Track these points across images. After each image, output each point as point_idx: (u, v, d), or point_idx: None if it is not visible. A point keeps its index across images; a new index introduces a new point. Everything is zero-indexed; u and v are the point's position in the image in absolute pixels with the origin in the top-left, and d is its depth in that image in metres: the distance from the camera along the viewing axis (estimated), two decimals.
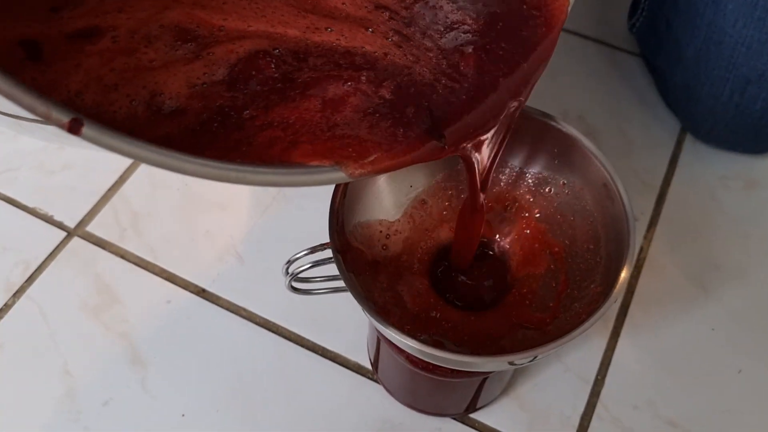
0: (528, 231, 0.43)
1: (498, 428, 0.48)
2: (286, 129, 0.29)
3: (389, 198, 0.42)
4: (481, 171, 0.34)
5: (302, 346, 0.51)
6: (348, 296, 0.36)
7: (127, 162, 0.60)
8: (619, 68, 0.67)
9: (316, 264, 0.39)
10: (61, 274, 0.54)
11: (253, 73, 0.30)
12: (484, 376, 0.43)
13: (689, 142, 0.62)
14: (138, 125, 0.27)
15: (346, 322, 0.52)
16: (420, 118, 0.31)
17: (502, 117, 0.33)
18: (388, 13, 0.34)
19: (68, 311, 0.52)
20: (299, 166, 0.28)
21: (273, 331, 0.52)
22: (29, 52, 0.28)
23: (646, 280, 0.54)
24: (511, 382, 0.49)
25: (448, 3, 0.35)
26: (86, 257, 0.55)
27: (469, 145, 0.32)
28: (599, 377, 0.50)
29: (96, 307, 0.52)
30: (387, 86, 0.32)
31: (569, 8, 0.36)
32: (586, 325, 0.34)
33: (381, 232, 0.42)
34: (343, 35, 0.33)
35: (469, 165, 0.34)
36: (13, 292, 0.53)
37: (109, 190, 0.58)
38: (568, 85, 0.65)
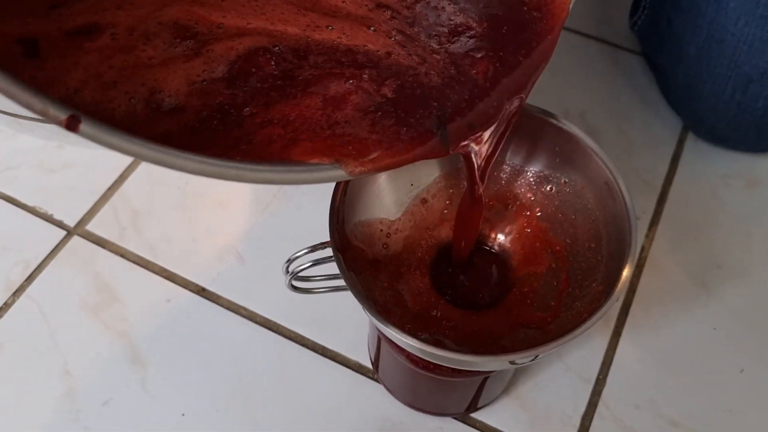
0: (529, 230, 0.43)
1: (499, 428, 0.48)
2: (286, 126, 0.29)
3: (390, 196, 0.42)
4: (480, 165, 0.34)
5: (302, 345, 0.51)
6: (348, 295, 0.36)
7: (126, 161, 0.59)
8: (620, 67, 0.67)
9: (317, 263, 0.39)
10: (61, 273, 0.54)
11: (253, 70, 0.30)
12: (485, 376, 0.43)
13: (691, 140, 0.62)
14: (137, 123, 0.27)
15: (347, 321, 0.52)
16: (424, 117, 0.31)
17: (501, 115, 0.33)
18: (389, 12, 0.34)
19: (68, 310, 0.52)
20: (299, 164, 0.28)
21: (273, 330, 0.52)
22: (28, 49, 0.28)
23: (647, 279, 0.54)
24: (512, 381, 0.49)
25: (449, 4, 0.35)
26: (86, 256, 0.55)
27: (469, 142, 0.32)
28: (600, 376, 0.50)
29: (96, 306, 0.52)
30: (389, 85, 0.31)
31: (571, 6, 0.36)
32: (588, 324, 0.34)
33: (381, 230, 0.42)
34: (344, 33, 0.33)
35: (469, 161, 0.34)
36: (13, 291, 0.53)
37: (109, 188, 0.58)
38: (570, 84, 0.65)
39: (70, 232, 0.56)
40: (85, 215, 0.57)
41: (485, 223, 0.44)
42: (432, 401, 0.47)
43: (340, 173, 0.29)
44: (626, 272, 0.36)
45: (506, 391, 0.49)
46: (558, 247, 0.42)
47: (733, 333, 0.52)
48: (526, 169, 0.43)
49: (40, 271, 0.54)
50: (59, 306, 0.52)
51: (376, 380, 0.50)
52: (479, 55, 0.33)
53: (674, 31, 0.57)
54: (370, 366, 0.50)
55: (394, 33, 0.34)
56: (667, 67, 0.60)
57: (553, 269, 0.42)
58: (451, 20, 0.34)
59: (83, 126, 0.22)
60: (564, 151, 0.41)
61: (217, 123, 0.28)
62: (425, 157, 0.30)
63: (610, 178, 0.39)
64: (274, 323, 0.52)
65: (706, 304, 0.53)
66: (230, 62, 0.30)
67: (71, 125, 0.22)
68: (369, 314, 0.34)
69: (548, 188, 0.43)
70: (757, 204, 0.59)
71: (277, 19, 0.32)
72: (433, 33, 0.34)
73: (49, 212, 0.57)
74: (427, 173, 0.43)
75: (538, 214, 0.43)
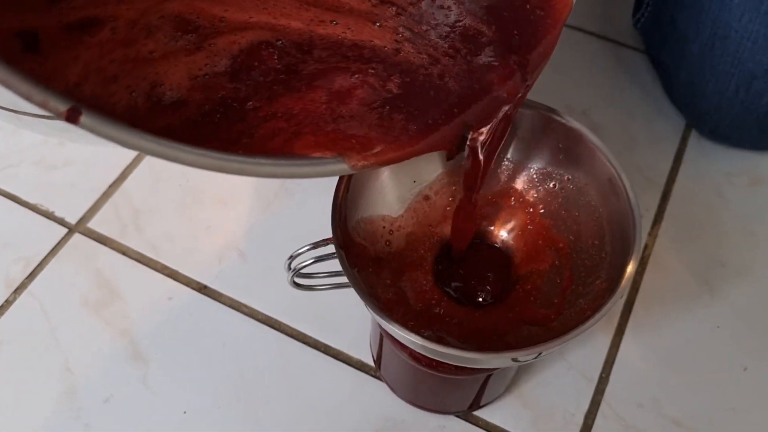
0: (532, 227, 0.43)
1: (501, 426, 0.48)
2: (289, 120, 0.28)
3: (392, 193, 0.42)
4: (479, 159, 0.34)
5: (304, 343, 0.51)
6: (351, 292, 0.36)
7: (128, 158, 0.59)
8: (623, 64, 0.67)
9: (319, 260, 0.39)
10: (62, 271, 0.54)
11: (256, 64, 0.30)
12: (488, 374, 0.43)
13: (694, 138, 0.62)
14: (138, 116, 0.27)
15: (349, 318, 0.51)
16: (432, 112, 0.31)
17: (501, 113, 0.33)
18: (394, 9, 0.34)
19: (69, 308, 0.52)
20: (302, 158, 0.28)
21: (275, 328, 0.51)
22: (27, 43, 0.28)
23: (650, 277, 0.54)
24: (514, 379, 0.49)
25: (454, 3, 0.35)
26: (87, 253, 0.55)
27: (477, 136, 0.32)
28: (603, 375, 0.50)
29: (97, 303, 0.52)
30: (395, 80, 0.31)
31: (573, 1, 0.36)
32: (592, 321, 0.34)
33: (384, 227, 0.42)
34: (349, 28, 0.33)
35: (469, 153, 0.34)
36: (14, 288, 0.53)
37: (111, 186, 0.58)
38: (572, 81, 0.65)
39: (71, 230, 0.56)
40: (87, 213, 0.57)
41: (488, 219, 0.44)
42: (434, 399, 0.47)
43: (343, 167, 0.28)
44: (630, 268, 0.36)
45: (509, 389, 0.49)
46: (561, 244, 0.42)
47: (737, 331, 0.52)
48: (529, 165, 0.43)
49: (41, 269, 0.54)
50: (60, 303, 0.52)
51: (378, 378, 0.49)
52: (496, 63, 0.33)
53: (677, 28, 0.57)
54: (372, 364, 0.50)
55: (401, 29, 0.33)
56: (670, 64, 0.60)
57: (557, 266, 0.41)
58: (461, 22, 0.34)
59: (84, 118, 0.22)
60: (567, 147, 0.41)
61: (219, 117, 0.28)
62: (431, 149, 0.30)
63: (613, 174, 0.39)
64: (276, 321, 0.52)
65: (709, 302, 0.53)
66: (233, 56, 0.30)
67: (72, 117, 0.21)
68: (371, 311, 0.34)
69: (551, 185, 0.42)
70: (761, 202, 0.58)
71: (280, 13, 0.32)
72: (444, 34, 0.34)
73: (51, 209, 0.57)
74: (429, 170, 0.43)
75: (541, 211, 0.43)
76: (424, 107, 0.31)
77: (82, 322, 0.51)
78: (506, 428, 0.48)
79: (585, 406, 0.49)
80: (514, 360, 0.34)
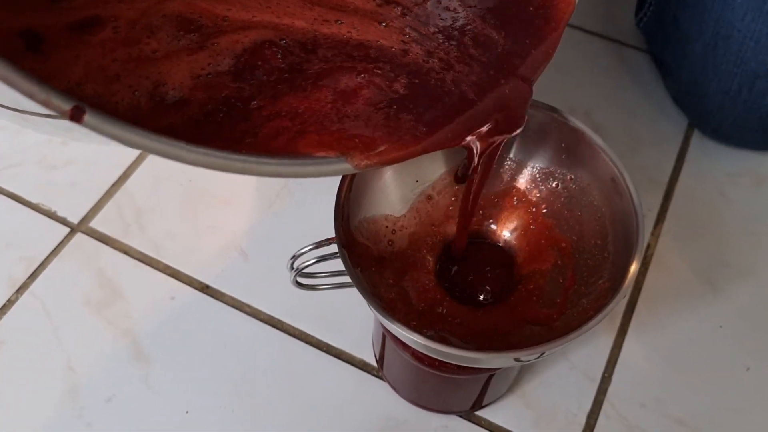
0: (535, 226, 0.43)
1: (504, 426, 0.48)
2: (294, 119, 0.28)
3: (395, 193, 0.42)
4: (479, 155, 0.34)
5: (307, 342, 0.51)
6: (353, 292, 0.36)
7: (130, 157, 0.59)
8: (625, 64, 0.66)
9: (322, 259, 0.39)
10: (65, 270, 0.54)
11: (260, 63, 0.30)
12: (490, 373, 0.43)
13: (697, 138, 0.62)
14: (141, 116, 0.27)
15: (352, 318, 0.51)
16: (436, 111, 0.31)
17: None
18: (399, 9, 0.34)
19: (71, 307, 0.52)
20: (305, 157, 0.28)
21: (277, 328, 0.51)
22: (29, 42, 0.28)
23: (653, 276, 0.54)
24: (517, 379, 0.49)
25: (459, 4, 0.35)
26: (89, 253, 0.55)
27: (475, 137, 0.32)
28: (606, 375, 0.50)
29: (99, 303, 0.52)
30: (402, 81, 0.31)
31: (576, 0, 0.36)
32: (595, 320, 0.34)
33: (387, 227, 0.42)
34: (354, 28, 0.33)
35: (470, 152, 0.34)
36: (17, 288, 0.53)
37: (113, 185, 0.58)
38: (575, 81, 0.65)
39: (73, 229, 0.56)
40: (89, 212, 0.57)
41: (491, 219, 0.44)
42: (437, 399, 0.47)
43: (346, 166, 0.28)
44: (633, 268, 0.35)
45: (511, 389, 0.49)
46: (564, 244, 0.42)
47: (740, 331, 0.52)
48: (531, 165, 0.43)
49: (43, 268, 0.54)
50: (63, 303, 0.52)
51: (380, 378, 0.49)
52: (508, 70, 0.33)
53: (680, 28, 0.57)
54: (374, 364, 0.50)
55: (408, 30, 0.33)
56: (673, 64, 0.60)
57: (559, 266, 0.41)
58: (467, 24, 0.34)
59: (88, 117, 0.22)
60: (570, 147, 0.41)
61: (222, 116, 0.28)
62: (435, 148, 0.30)
63: (616, 174, 0.39)
64: (279, 320, 0.52)
65: (712, 302, 0.53)
66: (236, 55, 0.30)
67: (75, 116, 0.21)
68: (374, 311, 0.34)
69: (554, 185, 0.42)
70: (764, 202, 0.58)
71: (283, 12, 0.32)
72: (451, 35, 0.34)
73: (53, 209, 0.57)
74: (432, 169, 0.43)
75: (544, 210, 0.43)
76: (428, 106, 0.31)
77: (84, 322, 0.51)
78: (509, 428, 0.48)
79: (587, 406, 0.49)
80: (517, 360, 0.34)
